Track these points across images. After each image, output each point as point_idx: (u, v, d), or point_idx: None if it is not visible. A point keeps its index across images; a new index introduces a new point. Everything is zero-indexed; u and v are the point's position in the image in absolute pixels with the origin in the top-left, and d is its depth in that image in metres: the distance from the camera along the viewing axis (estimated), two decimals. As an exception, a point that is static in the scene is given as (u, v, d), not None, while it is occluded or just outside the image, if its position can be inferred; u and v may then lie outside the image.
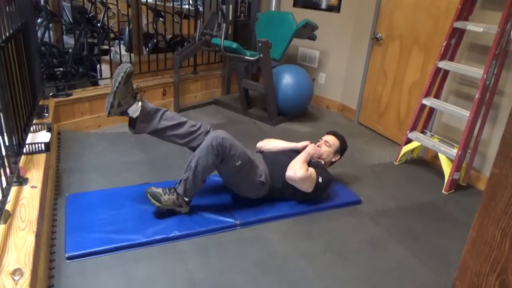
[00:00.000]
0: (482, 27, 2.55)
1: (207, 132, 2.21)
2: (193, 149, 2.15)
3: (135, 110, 2.07)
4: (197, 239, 2.01)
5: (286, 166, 2.26)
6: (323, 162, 2.47)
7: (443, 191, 2.72)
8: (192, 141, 2.19)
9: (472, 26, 2.61)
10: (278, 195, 2.34)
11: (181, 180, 2.07)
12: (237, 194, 2.32)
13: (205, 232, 2.05)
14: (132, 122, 2.12)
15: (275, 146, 2.52)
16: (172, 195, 2.07)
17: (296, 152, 2.42)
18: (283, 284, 1.77)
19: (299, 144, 2.49)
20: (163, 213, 2.11)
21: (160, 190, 2.07)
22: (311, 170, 2.28)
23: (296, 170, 2.21)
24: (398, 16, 3.36)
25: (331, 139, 2.53)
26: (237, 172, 2.12)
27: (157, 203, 2.05)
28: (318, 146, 2.49)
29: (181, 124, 2.18)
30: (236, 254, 1.94)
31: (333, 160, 2.53)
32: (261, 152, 2.52)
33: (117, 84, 1.95)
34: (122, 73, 1.94)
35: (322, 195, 2.39)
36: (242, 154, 2.08)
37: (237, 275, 1.80)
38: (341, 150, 2.56)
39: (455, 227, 2.32)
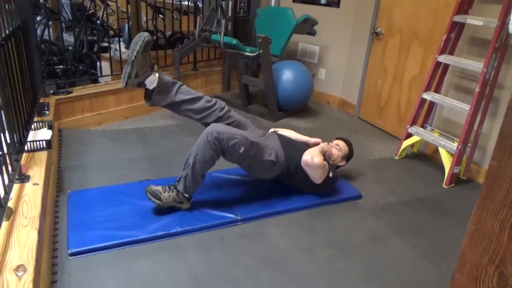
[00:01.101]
0: (482, 20, 2.54)
1: (222, 108, 2.24)
2: (207, 125, 2.15)
3: (152, 81, 2.06)
4: (198, 235, 2.02)
5: (302, 151, 2.30)
6: (331, 163, 2.49)
7: (443, 185, 2.73)
8: (207, 116, 2.20)
9: (471, 20, 2.61)
10: (288, 178, 2.35)
11: (180, 177, 2.08)
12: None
13: (206, 228, 2.06)
14: (148, 94, 2.11)
15: (289, 135, 2.54)
16: (172, 192, 2.08)
17: (308, 146, 2.44)
18: (285, 279, 1.78)
19: (312, 140, 2.52)
20: (164, 210, 2.12)
21: (159, 188, 2.07)
22: (325, 162, 2.31)
23: (314, 156, 2.24)
24: (398, 10, 3.35)
25: (341, 144, 2.58)
26: (244, 159, 2.12)
27: (157, 201, 2.06)
28: (330, 146, 2.52)
29: (197, 99, 2.19)
30: (238, 249, 1.95)
31: (339, 164, 2.57)
32: (276, 132, 2.53)
33: (135, 53, 1.93)
34: (140, 42, 1.93)
35: (327, 189, 2.41)
36: (243, 140, 2.07)
37: (238, 270, 1.81)
38: (348, 156, 2.61)
39: (456, 221, 2.32)
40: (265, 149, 2.19)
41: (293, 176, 2.33)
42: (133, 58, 1.94)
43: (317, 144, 2.47)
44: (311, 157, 2.23)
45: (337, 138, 2.66)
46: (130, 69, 1.96)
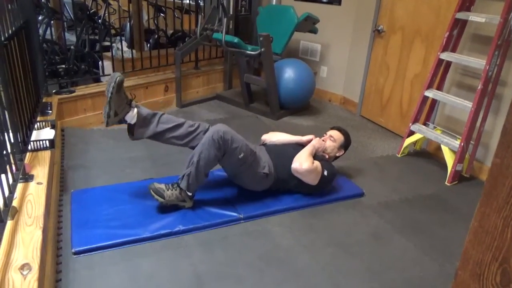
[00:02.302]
0: (484, 17, 2.54)
1: (206, 130, 2.21)
2: (194, 148, 2.16)
3: (132, 117, 2.09)
4: (201, 233, 2.03)
5: (291, 158, 2.28)
6: (327, 157, 2.49)
7: (446, 182, 2.73)
8: (191, 141, 2.20)
9: (474, 17, 2.60)
10: (283, 187, 2.35)
11: (183, 175, 2.08)
12: (242, 187, 2.33)
13: (209, 226, 2.07)
14: (131, 129, 2.13)
15: (279, 139, 2.53)
16: (175, 190, 2.09)
17: (301, 145, 2.43)
18: (287, 277, 1.79)
19: (304, 138, 2.50)
20: (167, 208, 2.12)
21: (163, 186, 2.09)
22: (317, 163, 2.29)
23: (302, 162, 2.22)
24: (400, 7, 3.34)
25: (335, 134, 2.55)
26: (240, 165, 2.13)
27: (160, 199, 2.07)
28: (323, 140, 2.50)
29: (179, 126, 2.19)
30: (240, 247, 1.95)
31: (337, 155, 2.56)
32: (263, 145, 2.53)
33: (109, 94, 1.97)
34: (113, 83, 1.96)
35: (327, 188, 2.41)
36: (244, 147, 2.09)
37: (241, 269, 1.82)
38: (345, 145, 2.58)
39: (458, 219, 2.32)
40: (260, 161, 2.21)
41: (287, 183, 2.33)
42: (108, 99, 1.98)
43: (310, 141, 2.45)
44: (300, 164, 2.22)
45: (330, 128, 2.63)
46: (108, 109, 1.99)
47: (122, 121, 2.09)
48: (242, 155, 2.08)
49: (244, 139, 2.17)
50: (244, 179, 2.28)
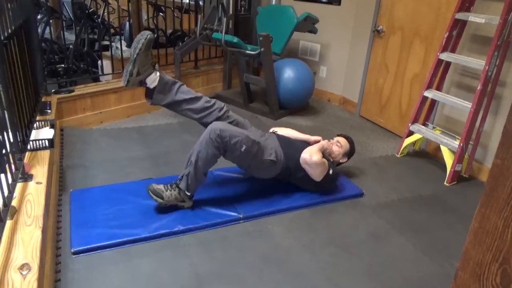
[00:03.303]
0: (484, 18, 2.54)
1: (221, 108, 2.25)
2: (206, 125, 2.17)
3: (153, 79, 2.08)
4: (200, 233, 2.02)
5: (300, 150, 2.30)
6: (331, 160, 2.50)
7: (445, 183, 2.73)
8: (206, 116, 2.22)
9: (473, 17, 2.60)
10: (288, 178, 2.36)
11: (182, 176, 2.08)
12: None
13: (209, 226, 2.07)
14: (149, 93, 2.12)
15: (288, 134, 2.55)
16: (174, 190, 2.08)
17: (308, 144, 2.45)
18: (287, 277, 1.79)
19: (312, 138, 2.53)
20: (166, 208, 2.12)
21: (161, 187, 2.08)
22: (325, 160, 2.31)
23: (313, 154, 2.24)
24: (399, 8, 3.34)
25: (342, 140, 2.59)
26: (245, 157, 2.13)
27: (159, 200, 2.06)
28: (330, 143, 2.53)
29: (197, 99, 2.21)
30: (240, 247, 1.95)
31: (340, 161, 2.59)
32: (275, 133, 2.54)
33: (137, 51, 1.95)
34: (143, 39, 1.95)
35: (329, 187, 2.42)
36: (245, 139, 2.08)
37: (241, 268, 1.82)
38: (350, 153, 2.62)
39: (457, 219, 2.33)
40: (265, 148, 2.20)
41: (293, 174, 2.33)
42: (135, 56, 1.95)
43: (317, 142, 2.47)
44: (310, 155, 2.24)
45: (338, 135, 2.67)
46: (132, 67, 1.97)
47: (143, 83, 2.07)
48: (244, 147, 2.07)
49: (244, 131, 2.17)
50: (253, 169, 2.28)
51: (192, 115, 2.21)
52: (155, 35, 4.58)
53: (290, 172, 2.32)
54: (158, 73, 2.08)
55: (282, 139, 2.41)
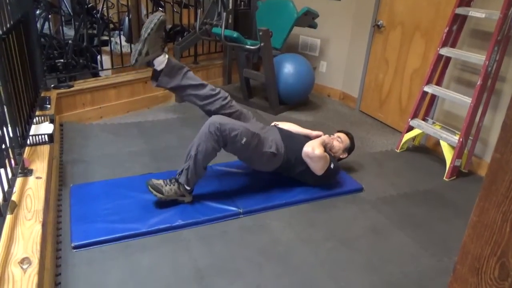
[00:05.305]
0: (484, 13, 2.53)
1: (225, 98, 2.27)
2: (208, 112, 2.19)
3: (161, 61, 2.09)
4: (200, 228, 2.03)
5: (302, 144, 2.31)
6: (332, 155, 2.50)
7: (444, 178, 2.73)
8: (210, 104, 2.23)
9: (474, 12, 2.59)
10: (288, 171, 2.37)
11: (182, 170, 2.08)
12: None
13: (209, 221, 2.07)
14: (156, 75, 2.14)
15: (290, 128, 2.56)
16: (174, 185, 2.08)
17: (309, 138, 2.45)
18: (286, 271, 1.80)
19: (313, 132, 2.53)
20: (166, 203, 2.13)
21: (161, 182, 2.08)
22: (326, 153, 2.32)
23: (315, 147, 2.26)
24: (399, 2, 3.33)
25: (343, 136, 2.60)
26: (246, 149, 2.14)
27: (159, 195, 2.06)
28: (331, 138, 2.53)
29: (203, 85, 2.23)
30: (240, 242, 1.96)
31: (340, 156, 2.59)
32: (276, 126, 2.55)
33: (149, 31, 1.96)
34: (156, 20, 1.96)
35: (330, 181, 2.43)
36: (244, 132, 2.08)
37: (240, 263, 1.82)
38: (350, 149, 2.63)
39: (456, 214, 2.33)
40: (265, 141, 2.21)
41: (294, 168, 2.34)
42: (146, 35, 1.97)
43: (318, 137, 2.48)
44: (312, 148, 2.25)
45: (338, 131, 2.67)
46: (141, 46, 1.99)
47: (151, 63, 2.09)
48: (244, 140, 2.08)
49: (244, 123, 2.18)
50: (254, 161, 2.29)
51: (196, 101, 2.23)
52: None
53: (291, 165, 2.33)
54: (166, 56, 2.11)
55: (283, 132, 2.42)
